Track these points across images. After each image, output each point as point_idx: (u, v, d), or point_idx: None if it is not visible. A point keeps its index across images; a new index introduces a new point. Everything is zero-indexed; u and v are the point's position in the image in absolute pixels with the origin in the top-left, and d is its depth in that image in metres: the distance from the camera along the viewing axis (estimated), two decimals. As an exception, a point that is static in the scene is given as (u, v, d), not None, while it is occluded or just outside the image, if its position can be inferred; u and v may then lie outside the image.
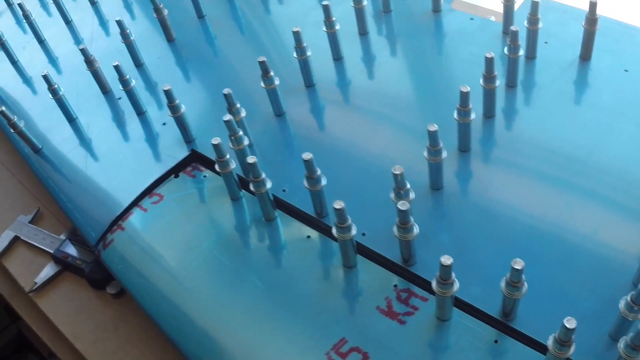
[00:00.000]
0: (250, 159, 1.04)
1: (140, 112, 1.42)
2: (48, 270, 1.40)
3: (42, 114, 1.53)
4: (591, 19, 1.22)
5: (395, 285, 1.01)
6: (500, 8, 1.36)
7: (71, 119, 1.48)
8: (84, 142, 1.43)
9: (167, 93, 1.24)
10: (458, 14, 1.47)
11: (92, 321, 1.30)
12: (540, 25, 1.26)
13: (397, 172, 0.96)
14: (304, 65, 1.34)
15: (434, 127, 1.01)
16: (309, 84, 1.37)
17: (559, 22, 1.38)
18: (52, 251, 1.41)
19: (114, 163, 1.36)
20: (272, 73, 1.26)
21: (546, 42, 1.33)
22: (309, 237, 1.12)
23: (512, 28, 1.19)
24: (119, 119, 1.44)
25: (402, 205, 0.91)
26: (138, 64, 1.55)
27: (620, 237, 1.00)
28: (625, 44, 1.30)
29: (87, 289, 1.36)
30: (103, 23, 1.76)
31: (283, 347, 1.01)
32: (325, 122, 1.32)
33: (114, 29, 1.63)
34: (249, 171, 1.07)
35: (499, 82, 1.18)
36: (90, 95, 1.52)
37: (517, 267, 0.82)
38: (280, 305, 1.06)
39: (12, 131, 1.40)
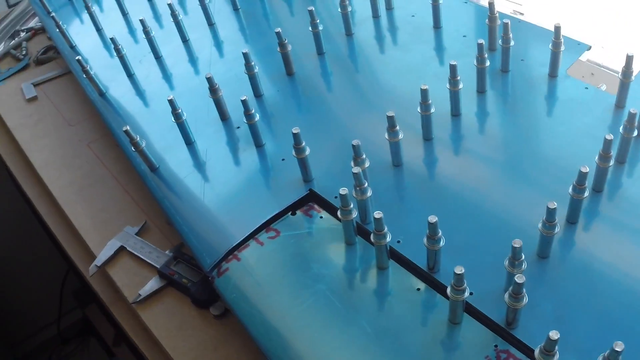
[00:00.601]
0: (377, 214, 1.10)
1: (259, 145, 1.48)
2: (153, 284, 1.46)
3: (160, 134, 1.59)
4: None
5: (495, 346, 1.05)
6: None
7: (189, 142, 1.54)
8: (201, 166, 1.49)
9: (295, 136, 1.30)
10: (573, 82, 1.50)
11: (193, 338, 1.35)
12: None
13: (517, 246, 1.03)
14: (426, 120, 1.39)
15: (553, 205, 1.06)
16: (428, 137, 1.41)
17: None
18: (158, 266, 1.47)
19: (231, 192, 1.42)
20: (397, 127, 1.31)
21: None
22: (418, 289, 1.16)
23: (631, 110, 1.22)
24: (236, 149, 1.50)
25: (519, 278, 0.96)
26: (258, 94, 1.61)
27: None
28: None
29: (189, 307, 1.41)
30: (218, 44, 1.83)
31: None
32: (443, 175, 1.37)
33: (230, 54, 1.69)
34: (365, 217, 1.13)
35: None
36: (209, 120, 1.58)
37: (618, 348, 0.87)
38: (387, 351, 1.10)
39: (133, 150, 1.47)
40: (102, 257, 1.55)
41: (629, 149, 1.29)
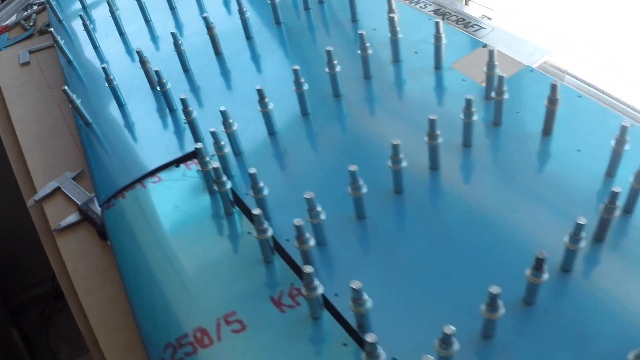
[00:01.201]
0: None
1: (172, 110, 1.78)
2: (72, 217, 1.77)
3: (97, 94, 1.91)
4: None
5: (292, 284, 1.29)
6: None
7: (120, 105, 1.85)
8: (130, 126, 1.81)
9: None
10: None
11: (90, 263, 1.64)
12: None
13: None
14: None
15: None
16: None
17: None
18: (79, 203, 1.78)
19: (133, 150, 1.71)
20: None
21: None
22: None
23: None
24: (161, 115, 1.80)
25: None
26: (185, 69, 1.90)
27: None
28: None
29: (96, 238, 1.70)
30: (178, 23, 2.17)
31: (193, 301, 1.32)
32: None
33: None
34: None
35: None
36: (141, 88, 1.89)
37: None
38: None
39: (71, 106, 1.79)
40: (40, 194, 1.87)
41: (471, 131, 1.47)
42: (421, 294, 1.23)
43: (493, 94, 1.46)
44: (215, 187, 1.38)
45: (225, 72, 1.89)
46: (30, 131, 2.08)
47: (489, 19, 2.56)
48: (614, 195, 1.13)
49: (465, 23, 2.53)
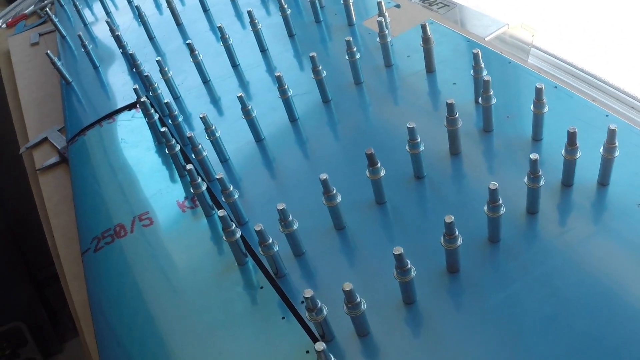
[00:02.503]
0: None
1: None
2: (52, 159, 2.13)
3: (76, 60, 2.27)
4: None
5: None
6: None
7: (95, 67, 2.21)
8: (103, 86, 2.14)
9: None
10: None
11: (61, 193, 1.99)
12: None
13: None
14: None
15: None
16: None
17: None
18: (59, 147, 2.14)
19: (101, 95, 2.07)
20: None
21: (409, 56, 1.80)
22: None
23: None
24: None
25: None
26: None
27: None
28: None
29: (69, 174, 2.05)
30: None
31: (117, 204, 1.64)
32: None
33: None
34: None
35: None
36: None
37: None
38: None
39: (53, 67, 2.16)
40: (31, 142, 2.23)
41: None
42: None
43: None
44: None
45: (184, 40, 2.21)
46: (31, 96, 2.45)
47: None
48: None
49: (430, 2, 2.81)
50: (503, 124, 1.53)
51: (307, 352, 1.18)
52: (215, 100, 1.85)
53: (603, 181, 1.34)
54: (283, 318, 1.25)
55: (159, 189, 1.63)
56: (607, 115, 1.48)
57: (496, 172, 1.44)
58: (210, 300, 1.34)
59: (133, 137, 1.82)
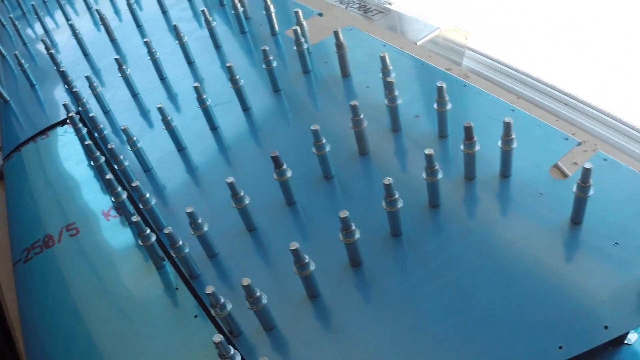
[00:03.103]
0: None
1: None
2: (-7, 176, 2.19)
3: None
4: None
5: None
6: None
7: (32, 84, 2.27)
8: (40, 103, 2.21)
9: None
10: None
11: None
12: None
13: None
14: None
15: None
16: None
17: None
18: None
19: (36, 113, 2.13)
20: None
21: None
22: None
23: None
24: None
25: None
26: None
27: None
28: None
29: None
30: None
31: (44, 216, 1.70)
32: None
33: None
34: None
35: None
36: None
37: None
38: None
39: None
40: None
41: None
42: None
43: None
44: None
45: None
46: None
47: (390, 4, 2.93)
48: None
49: (366, 9, 2.90)
50: (411, 123, 1.60)
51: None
52: (144, 112, 1.91)
53: (505, 173, 1.41)
54: (195, 317, 1.31)
55: (86, 200, 1.69)
56: (513, 110, 1.56)
57: (403, 169, 1.52)
58: (131, 303, 1.41)
59: (65, 152, 1.89)
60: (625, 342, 1.20)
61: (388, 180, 1.24)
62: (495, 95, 1.63)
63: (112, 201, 1.53)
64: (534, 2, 2.75)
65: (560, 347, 1.09)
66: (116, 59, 1.91)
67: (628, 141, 2.12)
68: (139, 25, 2.36)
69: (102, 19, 2.26)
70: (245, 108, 1.78)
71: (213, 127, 1.75)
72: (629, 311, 1.10)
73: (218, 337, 1.07)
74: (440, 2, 3.30)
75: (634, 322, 1.09)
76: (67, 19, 2.52)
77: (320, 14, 2.08)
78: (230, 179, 1.35)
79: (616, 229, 1.24)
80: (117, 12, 2.52)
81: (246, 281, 1.15)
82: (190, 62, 2.03)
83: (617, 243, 1.21)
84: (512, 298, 1.19)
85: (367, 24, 2.14)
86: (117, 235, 1.57)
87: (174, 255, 1.33)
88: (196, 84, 1.66)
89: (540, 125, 1.51)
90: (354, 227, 1.24)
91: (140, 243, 1.39)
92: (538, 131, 1.50)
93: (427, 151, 1.29)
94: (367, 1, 2.91)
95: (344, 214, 1.21)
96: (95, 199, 1.69)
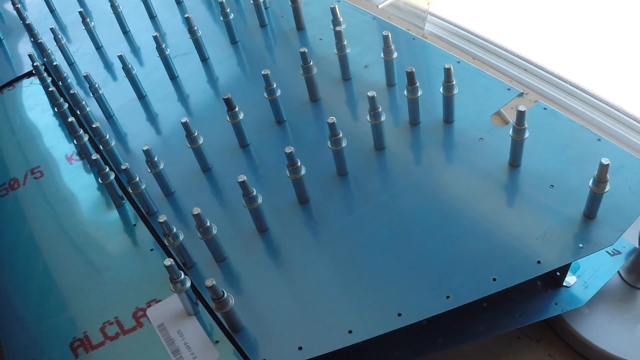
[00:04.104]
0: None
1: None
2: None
3: None
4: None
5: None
6: None
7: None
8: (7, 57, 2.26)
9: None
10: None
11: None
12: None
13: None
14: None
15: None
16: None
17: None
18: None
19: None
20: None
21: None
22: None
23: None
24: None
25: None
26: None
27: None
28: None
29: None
30: None
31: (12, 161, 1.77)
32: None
33: None
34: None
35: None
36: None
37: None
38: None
39: None
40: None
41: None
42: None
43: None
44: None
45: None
46: None
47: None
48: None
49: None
50: (361, 73, 1.69)
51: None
52: (108, 65, 1.98)
53: (447, 119, 1.50)
54: (152, 250, 1.40)
55: (50, 146, 1.76)
56: (458, 62, 1.65)
57: (351, 114, 1.61)
58: (92, 239, 1.50)
59: (30, 102, 1.95)
60: (564, 284, 1.31)
61: (332, 119, 1.32)
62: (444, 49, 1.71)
63: (75, 145, 1.60)
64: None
65: (494, 279, 1.16)
66: (80, 12, 1.97)
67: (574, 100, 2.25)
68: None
69: (67, -24, 2.30)
70: (204, 58, 1.85)
71: (172, 77, 1.82)
72: (561, 248, 1.18)
73: (168, 261, 1.15)
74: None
75: (564, 258, 1.17)
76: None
77: (279, -30, 2.14)
78: (184, 119, 1.43)
79: (552, 172, 1.31)
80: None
81: (196, 210, 1.23)
82: (152, 17, 2.09)
83: (552, 185, 1.29)
84: (450, 234, 1.27)
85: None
86: (79, 177, 1.64)
87: (131, 191, 1.41)
88: (155, 34, 1.73)
89: (484, 76, 1.59)
90: (299, 163, 1.32)
91: (100, 181, 1.45)
92: (482, 81, 1.58)
93: (369, 93, 1.36)
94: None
95: (289, 149, 1.28)
96: (59, 144, 1.75)
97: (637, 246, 1.36)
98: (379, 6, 2.65)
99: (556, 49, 2.64)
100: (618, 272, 1.39)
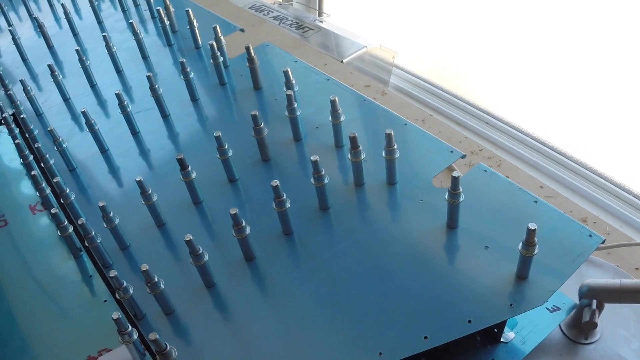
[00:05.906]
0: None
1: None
2: None
3: None
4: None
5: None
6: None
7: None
8: None
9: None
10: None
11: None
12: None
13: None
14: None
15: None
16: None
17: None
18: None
19: None
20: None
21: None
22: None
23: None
24: None
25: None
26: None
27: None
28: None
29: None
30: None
31: None
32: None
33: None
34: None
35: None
36: None
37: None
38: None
39: None
40: None
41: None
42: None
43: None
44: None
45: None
46: None
47: (321, 22, 3.14)
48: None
49: (298, 26, 3.10)
50: (312, 134, 1.79)
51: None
52: (75, 116, 2.08)
53: (390, 181, 1.60)
54: (105, 301, 1.49)
55: (16, 195, 1.85)
56: (405, 124, 1.76)
57: (300, 174, 1.70)
58: (50, 288, 1.58)
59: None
60: (502, 340, 1.40)
61: (275, 182, 1.42)
62: (394, 112, 1.83)
63: (38, 196, 1.70)
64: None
65: (426, 337, 1.21)
66: (49, 65, 2.07)
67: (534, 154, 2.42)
68: (75, 33, 2.51)
69: (41, 26, 2.41)
70: (165, 115, 1.95)
71: (134, 132, 1.92)
72: (491, 307, 1.23)
73: (116, 314, 1.24)
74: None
75: (494, 318, 1.22)
76: (9, 24, 2.66)
77: (242, 30, 2.26)
78: (139, 178, 1.52)
79: (488, 234, 1.38)
80: (57, 19, 2.66)
81: (144, 267, 1.32)
82: (119, 71, 2.20)
83: (487, 247, 1.35)
84: (385, 292, 1.34)
85: (298, 41, 2.33)
86: (41, 227, 1.73)
87: (87, 244, 1.51)
88: (117, 91, 1.83)
89: (429, 138, 1.69)
90: (244, 223, 1.42)
91: (59, 234, 1.55)
92: (426, 143, 1.69)
93: (312, 158, 1.46)
94: (301, 19, 3.11)
95: (233, 210, 1.38)
96: (24, 194, 1.85)
97: (577, 302, 1.44)
98: (343, 61, 2.78)
99: (519, 103, 2.78)
100: (560, 327, 1.47)
